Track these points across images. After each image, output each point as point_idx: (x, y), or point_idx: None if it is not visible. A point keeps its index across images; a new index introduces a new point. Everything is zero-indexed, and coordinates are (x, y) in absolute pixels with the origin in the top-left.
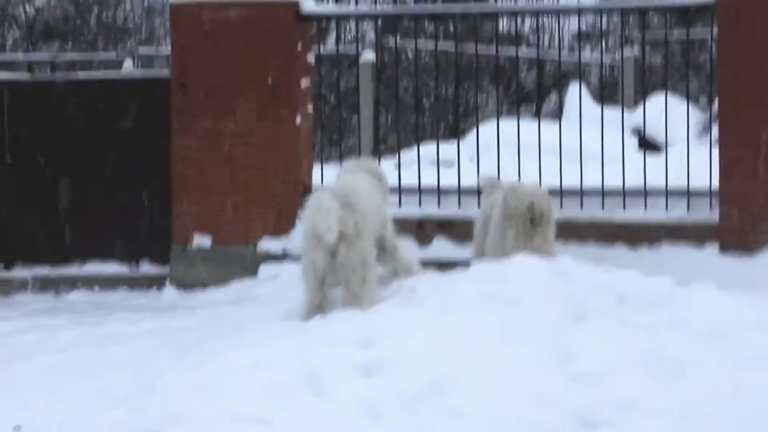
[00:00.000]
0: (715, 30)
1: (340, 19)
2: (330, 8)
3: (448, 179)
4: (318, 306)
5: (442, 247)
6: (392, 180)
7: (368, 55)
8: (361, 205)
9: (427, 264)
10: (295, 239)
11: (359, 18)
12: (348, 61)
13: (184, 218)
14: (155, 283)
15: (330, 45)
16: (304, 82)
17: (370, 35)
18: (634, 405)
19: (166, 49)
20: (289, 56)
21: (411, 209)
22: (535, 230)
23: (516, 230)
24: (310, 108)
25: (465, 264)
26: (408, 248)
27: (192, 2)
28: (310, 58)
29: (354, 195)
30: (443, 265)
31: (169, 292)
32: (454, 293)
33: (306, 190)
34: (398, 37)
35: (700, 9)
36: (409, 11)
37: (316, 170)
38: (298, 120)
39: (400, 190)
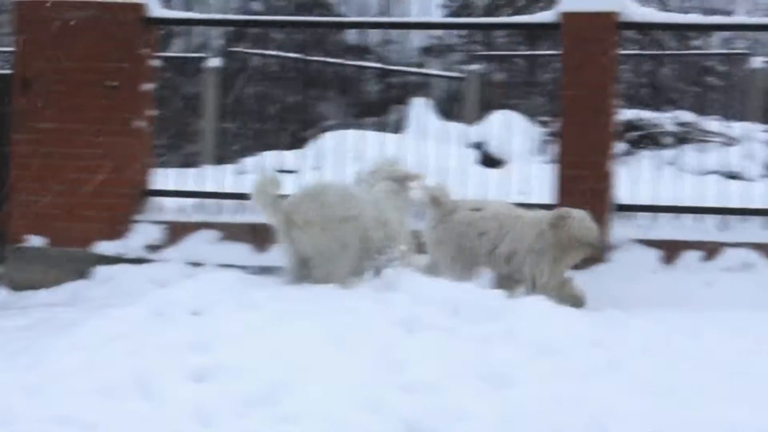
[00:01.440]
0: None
1: (188, 24)
2: (176, 13)
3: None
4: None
5: (279, 254)
6: (231, 186)
7: (214, 61)
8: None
9: (263, 270)
10: (131, 242)
11: (206, 24)
12: (194, 67)
13: (19, 218)
14: None
15: (176, 49)
16: (147, 86)
17: (218, 42)
18: (460, 415)
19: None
20: (133, 59)
21: (250, 215)
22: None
23: (573, 260)
24: (152, 112)
25: None
26: (245, 253)
27: (37, 0)
28: (155, 61)
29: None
30: (280, 272)
31: (1, 291)
32: (291, 300)
33: (144, 193)
34: (245, 45)
35: (546, 28)
36: (256, 20)
37: (155, 174)
38: (139, 123)
39: (239, 197)
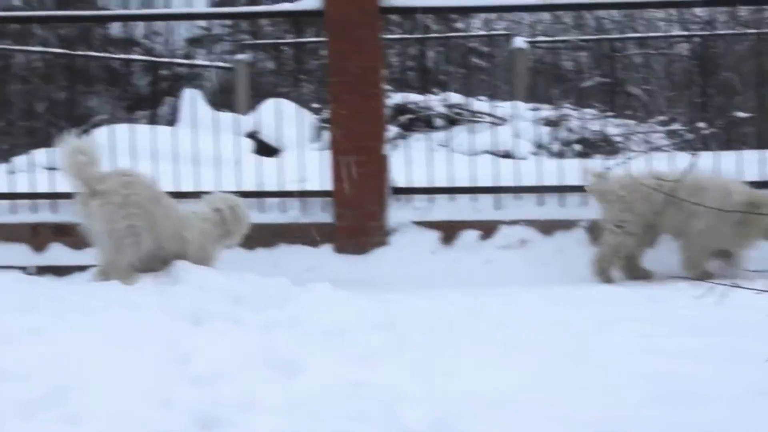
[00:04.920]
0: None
1: None
2: None
3: (64, 185)
4: None
5: (58, 253)
6: (4, 186)
7: None
8: None
9: (43, 270)
10: None
11: None
12: None
13: None
14: None
15: None
16: None
17: None
18: (250, 404)
19: None
20: None
21: (25, 215)
22: None
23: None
24: None
25: (82, 269)
26: (23, 254)
27: None
28: None
29: None
30: (60, 271)
31: None
32: (71, 298)
33: None
34: (7, 41)
35: (310, 15)
36: (15, 16)
37: None
38: None
39: (13, 197)
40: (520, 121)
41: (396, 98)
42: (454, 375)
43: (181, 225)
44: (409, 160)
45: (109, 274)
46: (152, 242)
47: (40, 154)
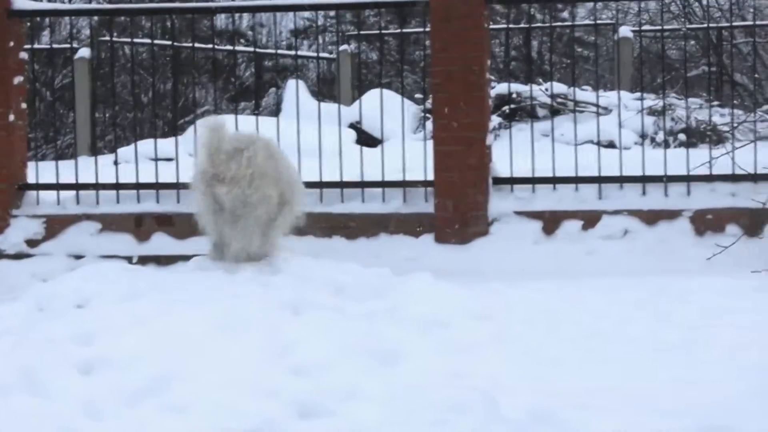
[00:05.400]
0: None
1: (54, 15)
2: (43, 4)
3: (168, 175)
4: None
5: (161, 243)
6: (110, 176)
7: (84, 52)
8: None
9: (146, 259)
10: (10, 237)
11: (73, 14)
12: (63, 58)
13: None
14: None
15: (44, 41)
16: (17, 79)
17: (86, 32)
18: (351, 394)
19: None
20: (1, 53)
21: (129, 205)
22: None
23: None
24: (23, 105)
25: (185, 258)
26: (127, 244)
27: None
28: (23, 54)
29: None
30: (163, 260)
31: None
32: (176, 288)
33: (21, 187)
34: (114, 34)
35: (414, 5)
36: (123, 8)
37: (31, 167)
38: (11, 117)
39: (117, 187)
40: (624, 110)
41: (499, 88)
42: (553, 366)
43: (294, 175)
44: (512, 150)
45: (222, 254)
46: (275, 194)
47: (145, 145)
